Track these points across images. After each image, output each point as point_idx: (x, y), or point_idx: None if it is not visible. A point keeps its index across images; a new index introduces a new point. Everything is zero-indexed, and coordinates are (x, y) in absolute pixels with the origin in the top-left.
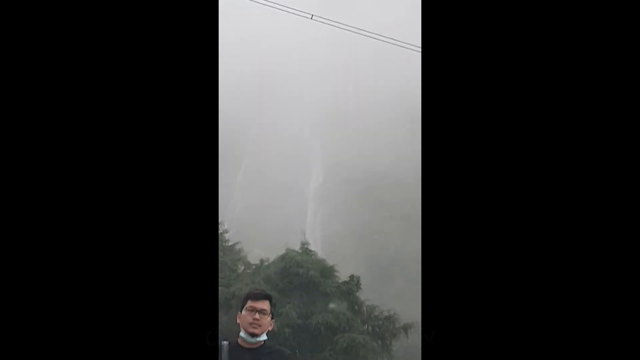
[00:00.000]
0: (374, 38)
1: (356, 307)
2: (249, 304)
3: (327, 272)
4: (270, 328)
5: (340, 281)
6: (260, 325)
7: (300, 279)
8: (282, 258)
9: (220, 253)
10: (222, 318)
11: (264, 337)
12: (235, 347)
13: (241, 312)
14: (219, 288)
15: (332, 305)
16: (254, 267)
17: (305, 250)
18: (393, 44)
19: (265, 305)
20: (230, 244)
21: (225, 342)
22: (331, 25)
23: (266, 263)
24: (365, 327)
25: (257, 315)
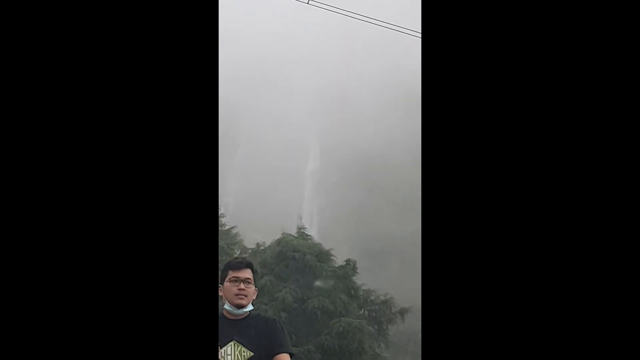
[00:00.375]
0: (371, 23)
1: (352, 292)
2: (231, 274)
3: (324, 256)
4: (254, 297)
5: (336, 265)
6: (246, 296)
7: (296, 263)
8: (279, 242)
9: None
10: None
11: (249, 307)
12: (222, 319)
13: (222, 284)
14: None
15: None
16: (250, 251)
17: (302, 234)
18: (390, 28)
19: (248, 273)
20: (226, 228)
21: None
22: (327, 10)
23: (262, 247)
24: (362, 311)
25: (242, 286)
